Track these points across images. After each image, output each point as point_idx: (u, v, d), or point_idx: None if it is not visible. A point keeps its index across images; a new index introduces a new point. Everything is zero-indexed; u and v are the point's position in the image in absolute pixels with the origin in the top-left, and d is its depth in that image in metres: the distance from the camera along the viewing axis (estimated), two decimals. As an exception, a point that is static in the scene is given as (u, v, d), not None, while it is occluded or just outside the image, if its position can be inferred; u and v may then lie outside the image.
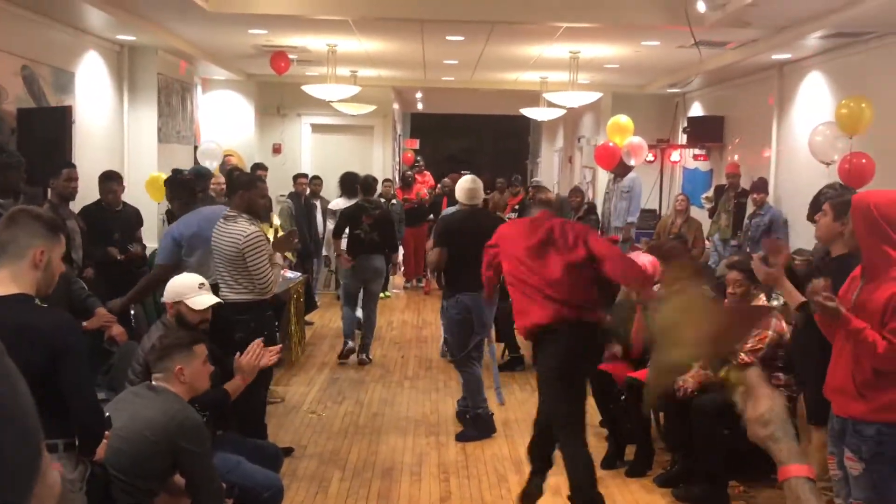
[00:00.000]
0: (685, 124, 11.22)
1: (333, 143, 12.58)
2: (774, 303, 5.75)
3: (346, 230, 7.84)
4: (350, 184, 8.69)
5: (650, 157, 11.18)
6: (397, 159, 15.13)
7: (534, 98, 12.20)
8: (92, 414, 2.72)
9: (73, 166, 5.92)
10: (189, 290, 4.02)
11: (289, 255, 7.73)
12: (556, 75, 10.84)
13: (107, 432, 2.83)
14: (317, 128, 12.51)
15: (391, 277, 10.89)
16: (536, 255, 4.19)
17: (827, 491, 3.46)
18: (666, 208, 11.11)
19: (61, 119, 6.51)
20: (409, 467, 5.26)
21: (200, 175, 7.65)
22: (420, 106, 17.55)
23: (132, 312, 5.53)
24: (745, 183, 8.91)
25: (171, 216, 6.14)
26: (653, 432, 5.39)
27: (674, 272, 2.62)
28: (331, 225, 8.80)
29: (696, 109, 11.48)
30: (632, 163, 9.84)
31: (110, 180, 6.39)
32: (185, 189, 6.03)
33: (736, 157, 9.74)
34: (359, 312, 8.11)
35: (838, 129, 6.78)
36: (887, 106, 6.56)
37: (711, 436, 4.62)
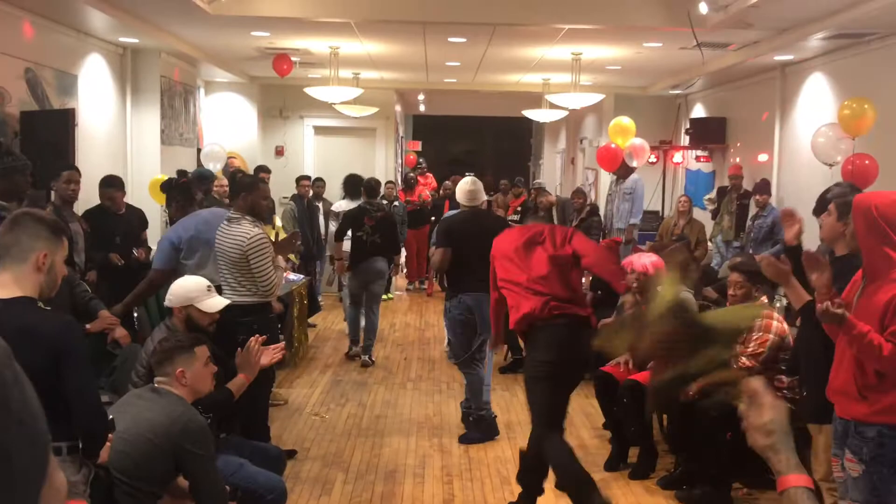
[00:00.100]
0: (687, 126, 11.21)
1: (336, 146, 12.58)
2: (777, 304, 5.75)
3: (349, 232, 7.88)
4: (353, 186, 8.75)
5: (652, 159, 11.18)
6: (399, 161, 15.13)
7: (536, 100, 12.19)
8: (95, 416, 2.73)
9: (74, 169, 5.89)
10: (199, 293, 4.04)
11: (291, 257, 7.73)
12: (558, 77, 10.84)
13: (110, 435, 2.83)
14: (319, 130, 12.52)
15: (393, 279, 10.90)
16: (524, 254, 4.42)
17: (833, 492, 3.46)
18: (668, 210, 11.10)
19: (64, 122, 6.52)
20: (413, 469, 5.26)
21: (203, 177, 7.67)
22: (422, 108, 17.53)
23: (135, 315, 5.53)
24: (747, 184, 8.91)
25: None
26: (656, 435, 5.38)
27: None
28: (333, 227, 8.82)
29: (699, 111, 11.47)
30: (634, 164, 9.83)
31: (109, 186, 6.30)
32: (181, 192, 6.03)
33: (738, 159, 9.72)
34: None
35: (841, 130, 6.77)
36: (890, 107, 6.55)
37: (714, 438, 4.61)
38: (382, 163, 12.56)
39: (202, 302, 4.03)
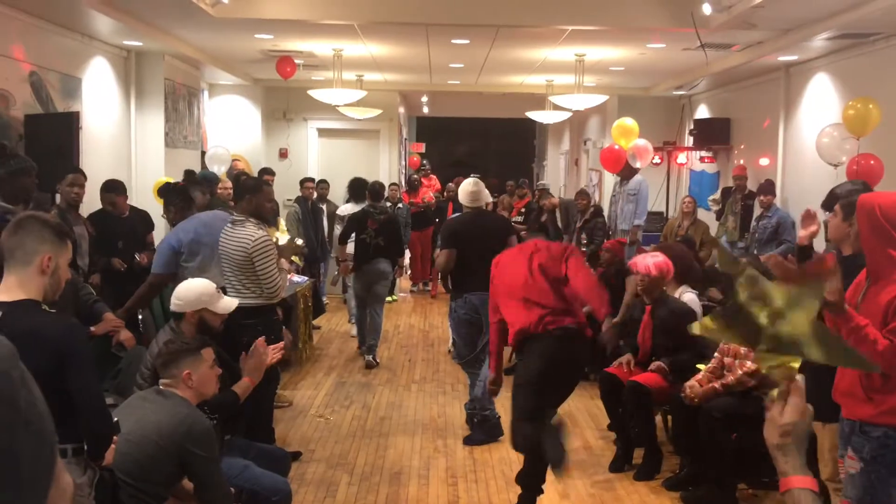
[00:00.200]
0: (691, 126, 11.19)
1: (340, 148, 12.59)
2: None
3: (353, 235, 7.98)
4: (358, 190, 8.82)
5: (657, 160, 11.16)
6: (403, 163, 15.13)
7: (539, 101, 12.18)
8: (99, 419, 2.73)
9: (79, 172, 5.87)
10: (210, 295, 4.07)
11: (295, 259, 7.74)
12: (561, 78, 10.83)
13: (115, 437, 2.84)
14: (323, 132, 12.53)
15: (397, 281, 10.92)
16: (522, 268, 4.46)
17: (839, 493, 3.45)
18: (673, 211, 11.09)
19: (69, 125, 6.53)
20: (417, 471, 5.26)
21: (207, 180, 7.69)
22: (426, 110, 17.54)
23: (140, 317, 5.54)
24: (752, 185, 8.89)
25: None
26: (661, 436, 5.38)
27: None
28: (338, 230, 8.86)
29: (703, 112, 11.45)
30: (637, 165, 9.82)
31: (110, 191, 6.25)
32: (179, 196, 6.02)
33: (741, 161, 9.70)
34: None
35: (846, 130, 6.76)
36: (895, 107, 6.54)
37: (719, 440, 4.61)
38: (386, 165, 12.56)
39: (215, 304, 4.06)
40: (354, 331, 8.89)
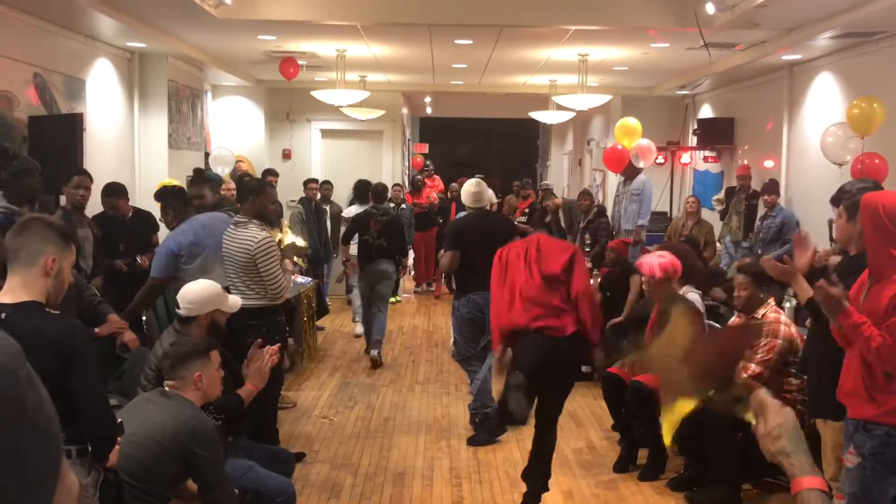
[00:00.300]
0: (695, 126, 11.18)
1: (343, 148, 12.59)
2: (786, 304, 5.73)
3: (356, 236, 8.08)
4: (363, 191, 8.91)
5: (660, 160, 11.15)
6: (407, 163, 15.13)
7: (543, 101, 12.18)
8: (103, 420, 2.73)
9: (86, 173, 5.85)
10: (219, 295, 4.10)
11: (298, 260, 7.75)
12: (565, 78, 10.83)
13: (119, 438, 2.84)
14: (326, 133, 12.53)
15: (401, 282, 10.93)
16: (523, 263, 4.42)
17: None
18: (676, 211, 11.07)
19: (72, 126, 6.54)
20: (421, 472, 5.25)
21: (213, 180, 7.68)
22: (429, 110, 17.52)
23: (144, 318, 5.54)
24: (755, 185, 8.87)
25: None
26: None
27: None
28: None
29: (706, 111, 11.44)
30: (640, 165, 9.81)
31: (110, 195, 6.18)
32: (177, 199, 6.02)
33: (745, 161, 9.68)
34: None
35: (850, 129, 6.75)
36: (899, 106, 6.53)
37: (724, 440, 4.60)
38: (389, 165, 12.56)
39: (225, 303, 4.10)
40: (359, 329, 8.93)
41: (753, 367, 4.60)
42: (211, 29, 7.45)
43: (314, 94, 9.63)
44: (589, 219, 9.52)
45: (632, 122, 9.88)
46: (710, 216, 9.78)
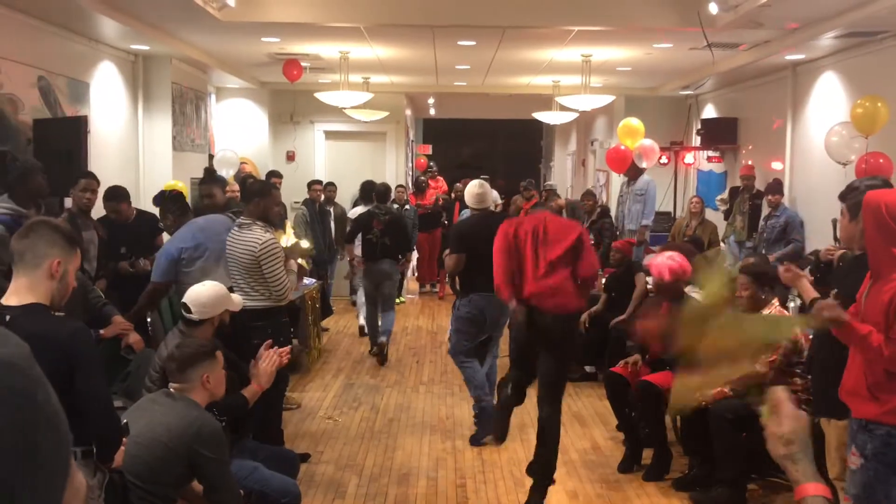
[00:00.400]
0: (699, 126, 11.17)
1: (347, 150, 12.60)
2: (791, 304, 5.72)
3: (360, 236, 8.21)
4: (369, 191, 9.02)
5: (664, 160, 11.14)
6: (410, 165, 15.14)
7: (546, 102, 12.17)
8: (108, 421, 2.74)
9: (93, 177, 5.83)
10: (226, 295, 4.17)
11: (302, 261, 7.76)
12: (568, 79, 10.82)
13: (124, 439, 2.85)
14: (330, 134, 12.54)
15: (405, 283, 10.96)
16: (532, 242, 4.56)
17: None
18: (680, 211, 11.06)
19: (77, 129, 6.55)
20: (426, 472, 5.26)
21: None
22: (432, 111, 17.53)
23: (149, 320, 5.55)
24: (759, 184, 8.87)
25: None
26: (670, 436, 5.36)
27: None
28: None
29: (710, 111, 11.43)
30: (643, 165, 9.81)
31: (111, 199, 6.11)
32: (175, 203, 6.02)
33: (750, 161, 9.68)
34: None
35: (854, 128, 6.74)
36: (903, 105, 6.51)
37: (729, 440, 4.60)
38: (393, 167, 12.57)
39: (231, 303, 4.18)
40: (361, 319, 9.00)
41: (758, 368, 4.59)
42: (214, 31, 7.46)
43: (317, 95, 9.64)
44: (592, 219, 9.51)
45: (634, 122, 9.88)
46: (714, 216, 9.77)
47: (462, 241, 5.95)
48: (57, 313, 2.72)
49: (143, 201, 7.76)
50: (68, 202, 5.91)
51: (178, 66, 8.85)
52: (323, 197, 9.94)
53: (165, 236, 6.67)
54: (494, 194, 6.54)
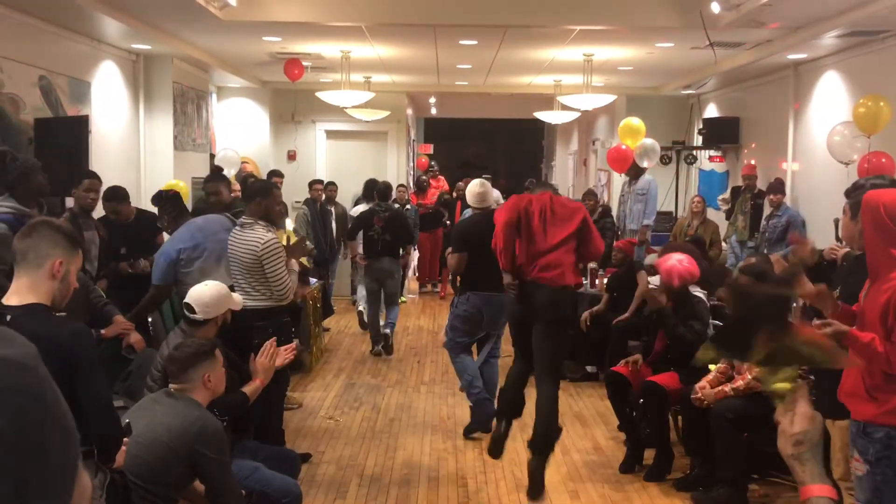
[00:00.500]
0: (700, 126, 11.16)
1: (348, 149, 12.60)
2: (793, 304, 5.71)
3: (361, 233, 8.37)
4: (370, 190, 9.08)
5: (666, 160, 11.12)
6: (411, 164, 15.14)
7: (548, 101, 12.17)
8: (109, 422, 2.74)
9: (96, 177, 5.81)
10: (229, 295, 4.18)
11: (304, 261, 7.76)
12: (569, 78, 10.82)
13: (125, 439, 2.84)
14: (331, 134, 12.54)
15: (406, 283, 10.97)
16: (539, 221, 4.60)
17: (851, 491, 3.44)
18: (682, 210, 11.05)
19: (78, 129, 6.55)
20: (427, 472, 5.25)
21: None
22: (434, 111, 17.53)
23: (150, 319, 5.55)
24: (761, 184, 8.86)
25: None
26: (671, 436, 5.36)
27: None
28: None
29: (712, 111, 11.42)
30: (645, 164, 9.80)
31: (111, 200, 6.06)
32: (172, 204, 6.01)
33: (752, 161, 9.67)
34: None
35: (856, 128, 6.73)
36: (905, 104, 6.50)
37: (730, 440, 4.59)
38: (394, 166, 12.56)
39: (233, 302, 4.20)
40: (361, 306, 9.15)
41: (757, 370, 4.59)
42: (216, 31, 7.46)
43: (319, 95, 9.64)
44: (594, 219, 9.50)
45: (635, 121, 9.87)
46: (716, 216, 9.76)
47: (464, 241, 5.98)
48: (58, 314, 2.71)
49: (145, 201, 7.75)
50: (69, 202, 5.91)
51: (180, 65, 8.85)
52: (324, 196, 9.95)
53: (165, 236, 6.67)
54: (496, 194, 6.53)
